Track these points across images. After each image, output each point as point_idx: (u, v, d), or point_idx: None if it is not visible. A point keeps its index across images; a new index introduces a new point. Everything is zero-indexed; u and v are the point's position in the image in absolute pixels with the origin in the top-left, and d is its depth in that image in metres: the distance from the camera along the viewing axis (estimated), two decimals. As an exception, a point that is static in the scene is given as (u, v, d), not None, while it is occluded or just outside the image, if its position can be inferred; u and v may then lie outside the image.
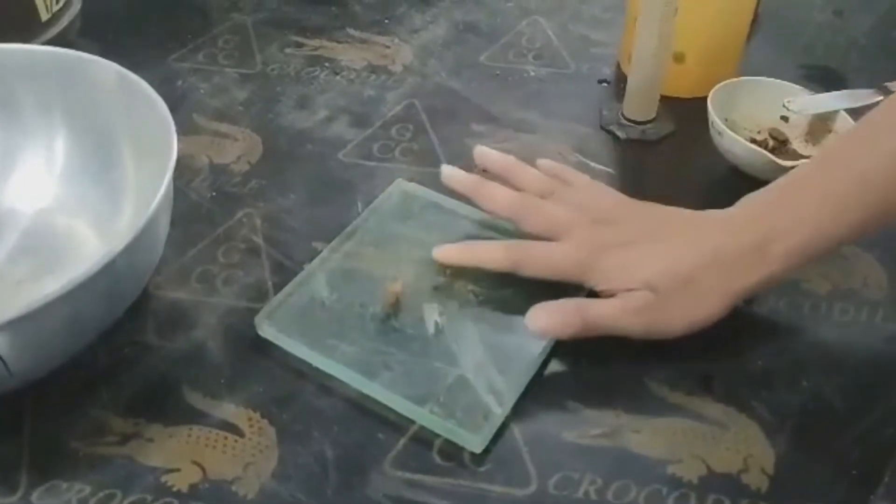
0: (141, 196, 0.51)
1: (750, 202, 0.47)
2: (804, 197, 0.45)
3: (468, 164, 0.55)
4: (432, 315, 0.49)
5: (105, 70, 0.51)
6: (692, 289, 0.45)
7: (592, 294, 0.47)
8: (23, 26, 0.63)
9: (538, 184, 0.52)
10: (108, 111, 0.52)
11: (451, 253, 0.50)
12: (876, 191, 0.43)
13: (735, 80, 0.62)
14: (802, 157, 0.59)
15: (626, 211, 0.50)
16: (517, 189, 0.52)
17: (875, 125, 0.45)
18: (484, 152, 0.54)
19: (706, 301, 0.45)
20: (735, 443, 0.43)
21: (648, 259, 0.46)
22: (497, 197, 0.51)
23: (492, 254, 0.49)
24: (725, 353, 0.48)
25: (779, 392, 0.46)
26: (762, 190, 0.47)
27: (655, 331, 0.46)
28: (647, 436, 0.44)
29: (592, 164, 0.61)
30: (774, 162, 0.54)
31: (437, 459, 0.43)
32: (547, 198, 0.51)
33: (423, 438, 0.44)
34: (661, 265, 0.45)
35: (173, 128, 0.46)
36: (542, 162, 0.54)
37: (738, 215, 0.47)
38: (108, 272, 0.40)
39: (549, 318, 0.46)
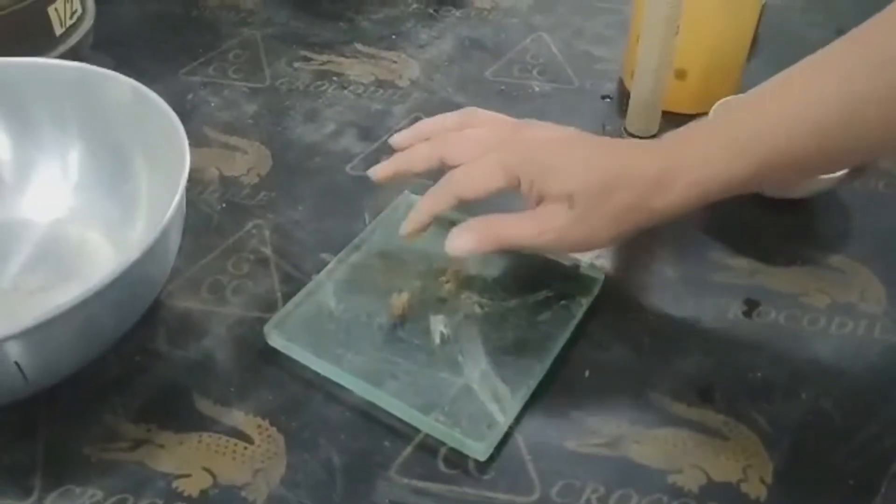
0: (154, 207, 0.52)
1: (665, 136, 0.49)
2: (710, 139, 0.46)
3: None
4: (438, 326, 0.50)
5: (119, 84, 0.52)
6: (606, 205, 0.46)
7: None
8: (37, 40, 0.65)
9: (452, 121, 0.53)
10: (122, 125, 0.53)
11: (407, 227, 0.51)
12: (764, 146, 0.45)
13: (736, 96, 0.63)
14: (802, 172, 0.60)
15: (542, 125, 0.51)
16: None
17: (779, 85, 0.47)
18: (396, 138, 0.54)
19: (611, 222, 0.47)
20: (734, 453, 0.44)
21: (570, 164, 0.47)
22: (419, 153, 0.52)
23: (431, 200, 0.49)
24: (725, 364, 0.49)
25: (777, 404, 0.47)
26: (677, 130, 0.49)
27: (561, 248, 0.49)
28: (648, 445, 0.45)
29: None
30: (774, 177, 0.55)
31: (442, 467, 0.44)
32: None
33: (429, 446, 0.44)
34: (584, 175, 0.46)
35: (186, 141, 0.48)
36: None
37: (649, 144, 0.48)
38: (122, 282, 0.41)
39: (465, 238, 0.48)
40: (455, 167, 0.50)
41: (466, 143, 0.50)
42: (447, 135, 0.52)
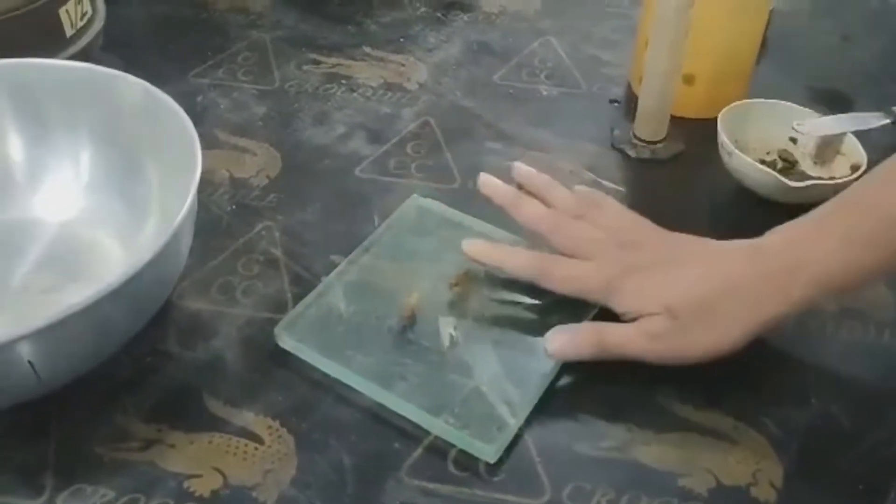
0: (164, 209, 0.52)
1: (776, 233, 0.47)
2: (831, 231, 0.45)
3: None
4: (447, 328, 0.50)
5: (131, 86, 0.52)
6: (711, 316, 0.45)
7: (607, 316, 0.48)
8: (48, 41, 0.65)
9: (570, 203, 0.53)
10: (134, 126, 0.53)
11: (477, 248, 0.51)
12: (886, 239, 0.43)
13: (745, 101, 0.63)
14: (810, 177, 0.60)
15: (653, 237, 0.51)
16: (549, 206, 0.53)
17: (891, 173, 0.46)
18: (521, 169, 0.56)
19: (725, 329, 0.45)
20: (744, 456, 0.44)
21: (670, 283, 0.47)
22: (531, 211, 0.52)
23: (517, 259, 0.51)
24: (734, 369, 0.48)
25: (787, 408, 0.47)
26: (788, 223, 0.47)
27: (672, 357, 0.46)
28: (657, 449, 0.45)
29: (603, 181, 0.62)
30: (783, 182, 0.56)
31: (452, 469, 0.44)
32: (577, 219, 0.52)
33: (439, 448, 0.45)
34: (683, 290, 0.46)
35: (198, 143, 0.48)
36: (579, 188, 0.56)
37: (762, 245, 0.47)
38: (135, 283, 0.41)
39: (564, 341, 0.47)
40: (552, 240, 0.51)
41: (576, 238, 0.50)
42: (561, 220, 0.51)
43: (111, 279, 0.40)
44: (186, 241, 0.48)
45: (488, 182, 0.54)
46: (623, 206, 0.53)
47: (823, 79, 0.73)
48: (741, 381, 0.48)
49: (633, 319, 0.47)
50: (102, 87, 0.53)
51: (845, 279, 0.45)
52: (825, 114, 0.62)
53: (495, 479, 0.43)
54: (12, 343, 0.39)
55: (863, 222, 0.44)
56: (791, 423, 0.46)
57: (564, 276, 0.49)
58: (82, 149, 0.55)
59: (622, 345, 0.47)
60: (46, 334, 0.39)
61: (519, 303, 0.51)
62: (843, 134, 0.61)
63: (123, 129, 0.54)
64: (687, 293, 0.46)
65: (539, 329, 0.49)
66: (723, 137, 0.59)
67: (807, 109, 0.62)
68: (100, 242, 0.54)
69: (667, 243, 0.50)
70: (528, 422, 0.46)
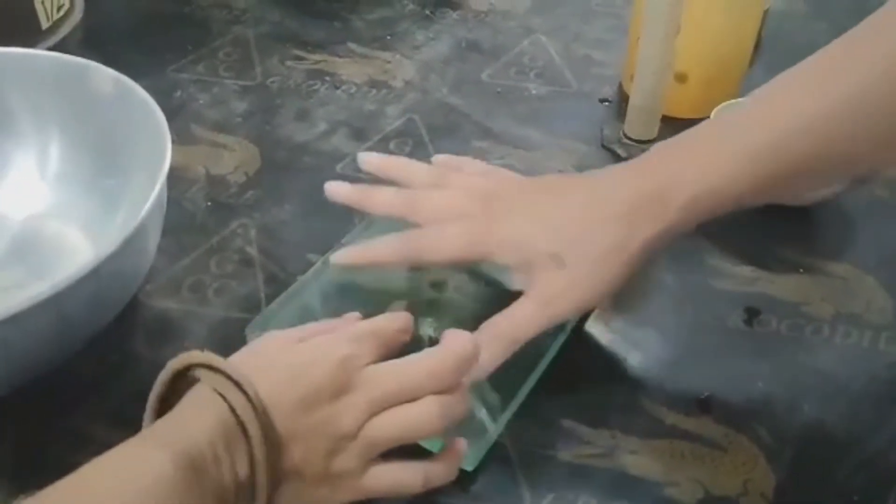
0: (134, 204, 0.50)
1: (651, 153, 0.46)
2: (705, 150, 0.44)
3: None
4: (426, 330, 0.48)
5: (102, 76, 0.51)
6: (594, 251, 0.44)
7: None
8: (23, 33, 0.64)
9: (425, 176, 0.50)
10: (105, 117, 0.51)
11: (346, 256, 0.48)
12: (770, 158, 0.42)
13: (736, 101, 0.61)
14: (805, 179, 0.58)
15: (518, 184, 0.49)
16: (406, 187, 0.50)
17: (778, 93, 0.45)
18: (368, 157, 0.52)
19: (609, 262, 0.44)
20: (734, 466, 0.43)
21: (548, 226, 0.45)
22: (385, 198, 0.49)
23: (386, 250, 0.48)
24: (724, 374, 0.47)
25: (779, 416, 0.45)
26: (663, 142, 0.46)
27: (573, 311, 0.45)
28: (643, 457, 0.43)
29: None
30: (776, 182, 0.54)
31: (428, 476, 0.42)
32: (435, 189, 0.49)
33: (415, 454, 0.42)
34: (561, 233, 0.44)
35: (168, 135, 0.46)
36: (437, 157, 0.53)
37: (636, 166, 0.46)
38: (95, 277, 0.39)
39: (480, 360, 0.43)
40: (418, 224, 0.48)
41: (435, 208, 0.47)
42: (417, 194, 0.49)
43: (71, 273, 0.38)
44: (153, 237, 0.46)
45: (334, 189, 0.50)
46: (483, 163, 0.51)
47: (819, 80, 0.71)
48: (731, 387, 0.46)
49: (521, 274, 0.45)
50: (72, 77, 0.52)
51: (719, 199, 0.43)
52: (820, 114, 0.61)
53: (473, 487, 0.42)
54: (-36, 340, 0.37)
55: (735, 146, 0.43)
56: (783, 432, 0.44)
57: (433, 246, 0.46)
58: (50, 140, 0.53)
59: (526, 327, 0.44)
60: (2, 330, 0.37)
61: (501, 304, 0.49)
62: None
63: (93, 121, 0.52)
64: (567, 233, 0.44)
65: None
66: (715, 136, 0.57)
67: (801, 109, 0.61)
68: (67, 238, 0.52)
69: (534, 187, 0.48)
70: (509, 427, 0.44)
